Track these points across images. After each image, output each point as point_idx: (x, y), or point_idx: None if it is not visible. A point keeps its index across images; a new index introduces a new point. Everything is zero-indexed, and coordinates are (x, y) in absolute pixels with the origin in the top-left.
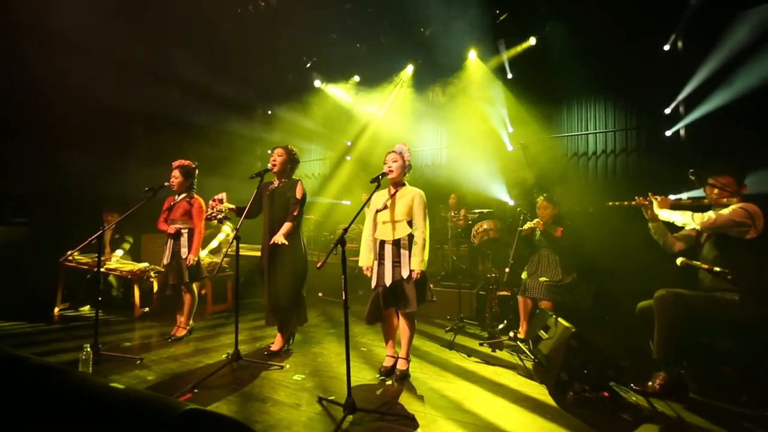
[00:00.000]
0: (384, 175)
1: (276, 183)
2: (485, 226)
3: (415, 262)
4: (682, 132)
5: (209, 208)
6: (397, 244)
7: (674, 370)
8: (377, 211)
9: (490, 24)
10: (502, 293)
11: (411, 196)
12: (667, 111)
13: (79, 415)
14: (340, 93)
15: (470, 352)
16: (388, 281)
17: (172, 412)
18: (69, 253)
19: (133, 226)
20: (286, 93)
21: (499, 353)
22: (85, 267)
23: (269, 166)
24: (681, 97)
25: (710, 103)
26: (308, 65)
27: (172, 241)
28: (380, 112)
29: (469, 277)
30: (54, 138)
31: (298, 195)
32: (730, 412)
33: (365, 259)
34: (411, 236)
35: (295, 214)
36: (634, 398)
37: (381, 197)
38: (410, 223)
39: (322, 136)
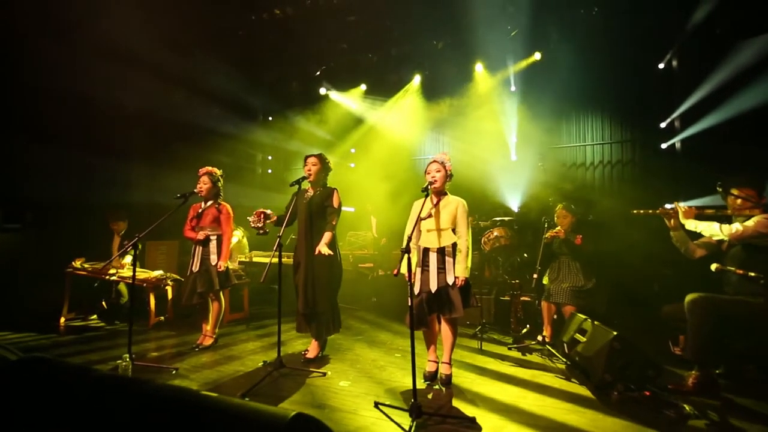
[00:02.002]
0: (431, 184)
1: (311, 191)
2: (496, 233)
3: (460, 269)
4: (677, 145)
5: (254, 216)
6: (441, 251)
7: (707, 369)
8: (420, 219)
9: (500, 38)
10: (524, 298)
11: (455, 205)
12: (663, 125)
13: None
14: (345, 100)
15: (502, 357)
16: (433, 287)
17: (281, 419)
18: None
19: (139, 233)
20: (289, 99)
21: (529, 357)
22: (93, 275)
23: (305, 174)
24: (676, 113)
25: (706, 120)
26: (318, 73)
27: (201, 248)
28: (385, 120)
29: (481, 283)
30: (50, 141)
31: (335, 204)
32: (759, 408)
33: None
34: (454, 244)
35: (334, 223)
36: (672, 397)
37: (424, 206)
38: (453, 231)
39: (325, 142)
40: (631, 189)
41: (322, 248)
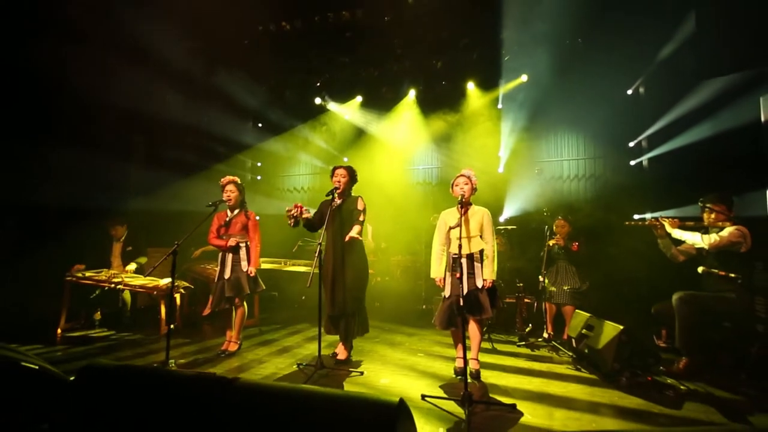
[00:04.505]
0: (463, 197)
1: (337, 200)
2: None
3: (488, 272)
4: (644, 163)
5: (294, 208)
6: (470, 257)
7: (693, 356)
8: (450, 228)
9: (493, 61)
10: (527, 300)
11: (481, 214)
12: (631, 144)
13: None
14: (339, 110)
15: (514, 354)
16: (463, 291)
17: (390, 403)
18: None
19: (142, 240)
20: (285, 107)
21: (537, 352)
22: (93, 283)
23: (334, 185)
24: (644, 135)
25: (671, 143)
26: (318, 84)
27: (231, 255)
28: (379, 131)
29: None
30: (35, 141)
31: (360, 207)
32: (736, 386)
33: (437, 270)
34: (482, 251)
35: (361, 219)
36: (668, 380)
37: (451, 216)
38: (481, 237)
39: (319, 150)
40: (604, 200)
41: (353, 234)
